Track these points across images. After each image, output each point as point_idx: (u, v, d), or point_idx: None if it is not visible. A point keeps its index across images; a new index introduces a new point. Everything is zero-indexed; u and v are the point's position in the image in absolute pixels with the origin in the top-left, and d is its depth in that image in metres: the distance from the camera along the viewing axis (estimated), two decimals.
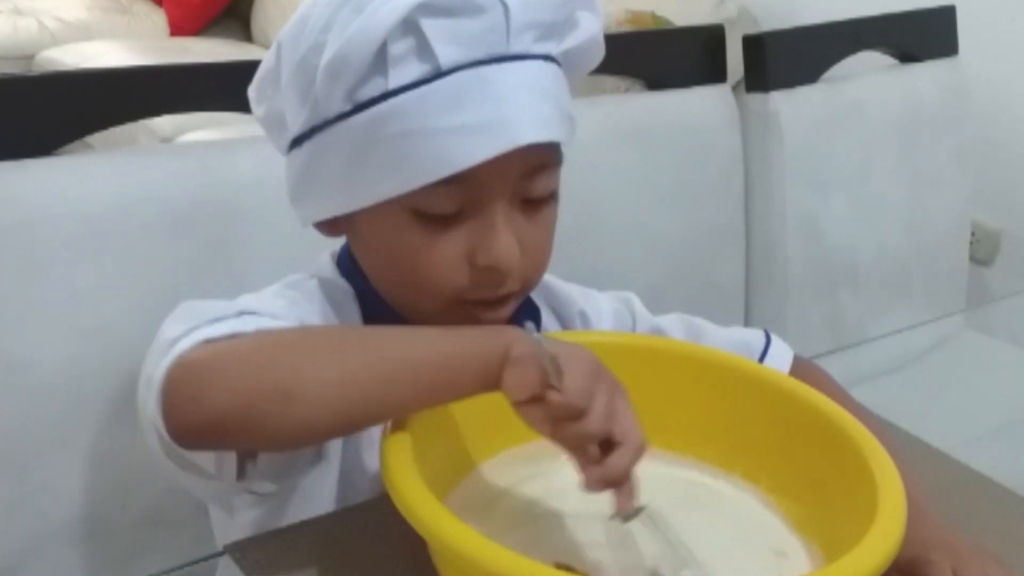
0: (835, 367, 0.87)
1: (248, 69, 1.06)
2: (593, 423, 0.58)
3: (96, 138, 1.01)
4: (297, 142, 0.72)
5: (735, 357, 0.77)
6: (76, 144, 0.95)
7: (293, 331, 0.66)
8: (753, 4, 2.14)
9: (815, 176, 1.43)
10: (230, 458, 0.66)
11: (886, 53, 1.56)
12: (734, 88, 1.40)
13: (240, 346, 0.62)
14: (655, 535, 0.64)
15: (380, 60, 0.66)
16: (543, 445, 0.71)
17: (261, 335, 0.64)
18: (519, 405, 0.60)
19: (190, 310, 0.67)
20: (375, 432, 0.64)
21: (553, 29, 0.71)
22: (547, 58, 0.70)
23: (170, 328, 0.65)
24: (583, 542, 0.64)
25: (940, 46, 1.57)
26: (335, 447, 0.75)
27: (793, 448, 0.69)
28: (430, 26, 0.66)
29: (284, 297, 0.74)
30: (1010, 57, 1.83)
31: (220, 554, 0.79)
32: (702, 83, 1.35)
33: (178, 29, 3.15)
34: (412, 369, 0.62)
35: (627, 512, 0.59)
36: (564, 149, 0.73)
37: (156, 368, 0.62)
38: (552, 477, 0.69)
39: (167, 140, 2.25)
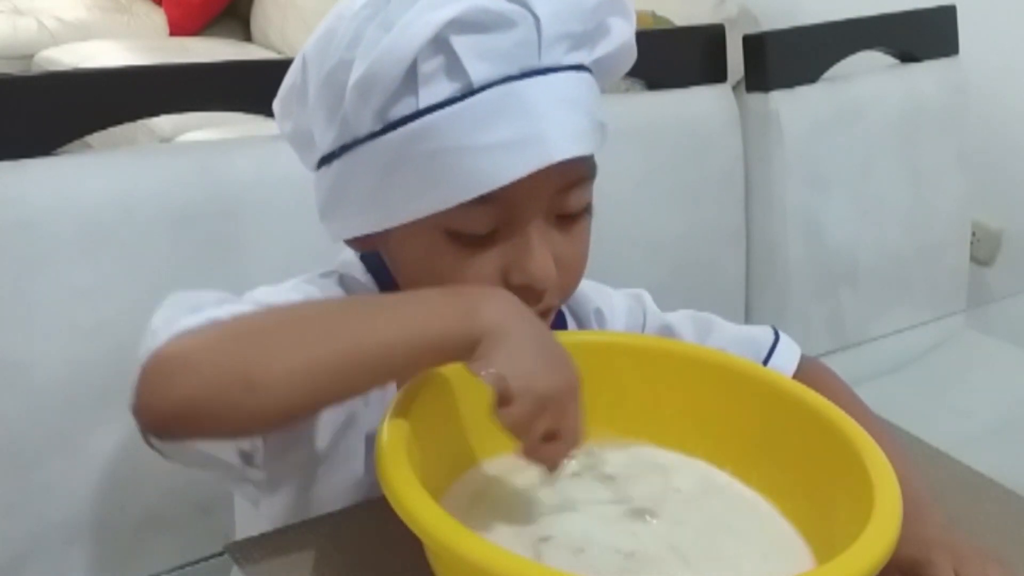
0: (836, 367, 0.87)
1: (247, 69, 1.07)
2: (532, 439, 0.60)
3: (95, 138, 1.01)
4: (326, 160, 0.71)
5: (729, 355, 0.77)
6: (75, 144, 0.95)
7: (262, 315, 0.66)
8: (753, 4, 2.14)
9: (815, 176, 1.43)
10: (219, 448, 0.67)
11: (886, 53, 1.56)
12: (734, 88, 1.40)
13: (208, 336, 0.62)
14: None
15: (410, 78, 0.65)
16: None
17: (231, 323, 0.63)
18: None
19: (176, 302, 0.67)
20: None
21: (585, 38, 0.70)
22: (579, 68, 0.70)
23: (155, 320, 0.65)
24: (583, 542, 0.63)
25: (940, 46, 1.57)
26: (357, 444, 0.74)
27: (787, 447, 0.69)
28: (461, 43, 0.65)
29: (301, 292, 0.74)
30: (1010, 57, 1.83)
31: (220, 555, 0.79)
32: (702, 83, 1.35)
33: (177, 29, 3.15)
34: (381, 353, 0.61)
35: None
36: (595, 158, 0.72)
37: (137, 362, 0.63)
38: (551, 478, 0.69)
39: (166, 140, 2.25)
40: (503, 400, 0.58)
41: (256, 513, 0.77)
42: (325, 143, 0.70)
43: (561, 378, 0.61)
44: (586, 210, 0.72)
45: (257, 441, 0.69)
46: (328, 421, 0.73)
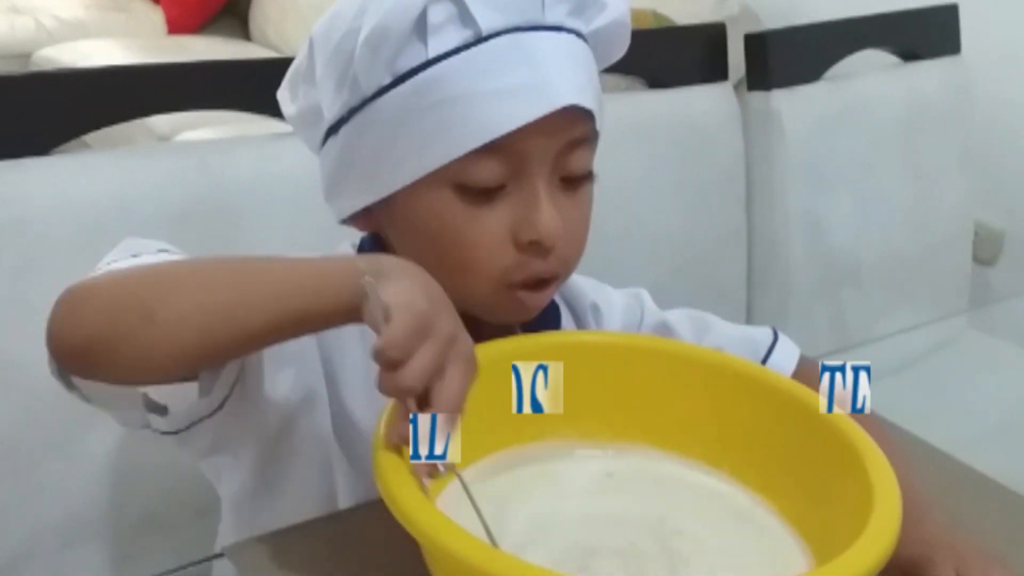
0: None
1: (246, 68, 1.06)
2: (405, 377, 0.56)
3: (93, 137, 1.01)
4: (334, 129, 0.72)
5: (726, 355, 0.77)
6: (73, 143, 0.95)
7: (173, 261, 0.68)
8: (755, 2, 2.14)
9: (817, 175, 1.43)
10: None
11: (888, 51, 1.56)
12: (736, 86, 1.40)
13: (118, 274, 0.64)
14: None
15: (420, 28, 0.67)
16: (541, 446, 0.72)
17: (143, 265, 0.65)
18: None
19: (123, 246, 0.68)
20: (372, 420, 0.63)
21: (583, 5, 0.72)
22: (578, 35, 0.72)
23: (101, 261, 0.67)
24: (574, 540, 0.63)
25: (943, 44, 1.58)
26: (322, 425, 0.74)
27: (786, 447, 0.68)
28: None
29: None
30: (1013, 56, 1.82)
31: (217, 556, 0.78)
32: (704, 81, 1.35)
33: (176, 27, 3.15)
34: (278, 296, 0.61)
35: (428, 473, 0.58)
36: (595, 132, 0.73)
37: None
38: (550, 476, 0.69)
39: (164, 139, 2.25)
40: (384, 321, 0.56)
41: (220, 493, 0.77)
42: (333, 111, 0.71)
43: (448, 318, 0.59)
44: (589, 177, 0.74)
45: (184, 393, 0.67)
46: (281, 396, 0.72)
